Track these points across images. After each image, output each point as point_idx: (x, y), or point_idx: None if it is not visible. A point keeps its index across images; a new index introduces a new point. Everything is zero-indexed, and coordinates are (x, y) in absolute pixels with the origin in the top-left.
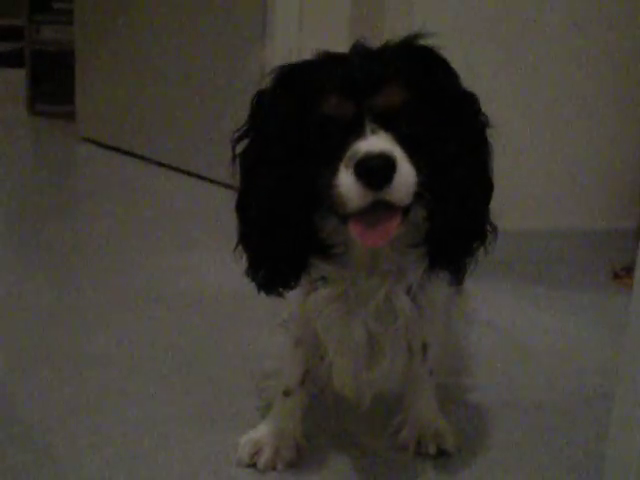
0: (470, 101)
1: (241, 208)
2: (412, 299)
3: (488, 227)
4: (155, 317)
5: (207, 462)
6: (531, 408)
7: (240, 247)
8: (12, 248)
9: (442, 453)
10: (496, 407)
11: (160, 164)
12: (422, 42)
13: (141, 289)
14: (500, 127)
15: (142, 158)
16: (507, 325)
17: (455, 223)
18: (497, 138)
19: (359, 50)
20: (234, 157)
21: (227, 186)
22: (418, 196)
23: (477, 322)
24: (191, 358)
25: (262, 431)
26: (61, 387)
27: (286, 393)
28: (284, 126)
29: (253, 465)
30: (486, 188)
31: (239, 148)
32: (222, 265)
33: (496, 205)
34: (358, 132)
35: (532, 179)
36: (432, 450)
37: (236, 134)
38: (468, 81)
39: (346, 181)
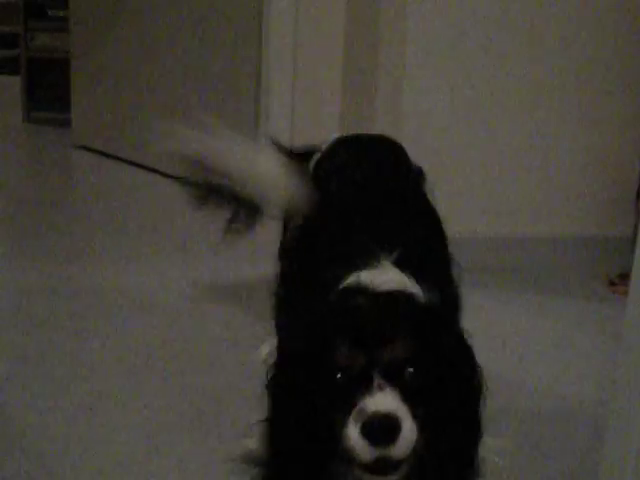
0: (471, 362)
1: (268, 436)
2: None
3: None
4: (151, 323)
5: (202, 471)
6: (527, 415)
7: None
8: (7, 256)
9: None
10: (492, 414)
11: (155, 171)
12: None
13: (136, 295)
14: (496, 134)
15: (137, 165)
16: (502, 333)
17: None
18: (494, 144)
19: (366, 295)
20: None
21: None
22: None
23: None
24: (187, 365)
25: None
26: (54, 394)
27: None
28: (302, 372)
29: None
30: (476, 436)
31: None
32: (217, 270)
33: (492, 210)
34: (367, 386)
35: (527, 185)
36: None
37: (270, 370)
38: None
39: (354, 436)
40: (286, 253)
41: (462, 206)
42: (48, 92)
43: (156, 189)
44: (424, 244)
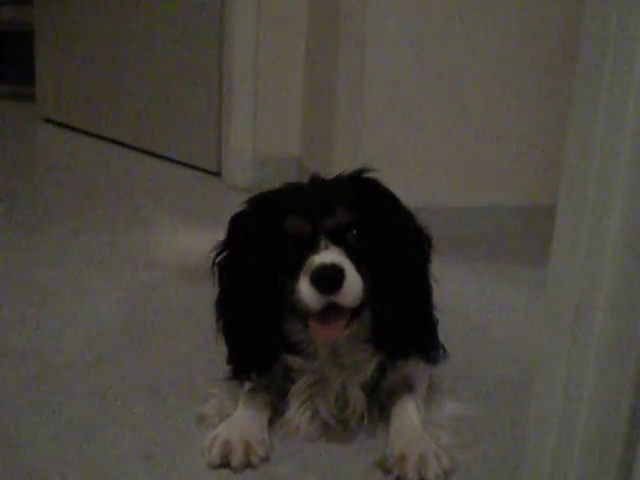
0: (409, 220)
1: (220, 308)
2: (368, 393)
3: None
4: (111, 292)
5: (159, 438)
6: (489, 381)
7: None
8: None
9: None
10: (455, 381)
11: (121, 144)
12: (368, 174)
13: (96, 262)
14: (460, 102)
15: (104, 139)
16: (463, 302)
17: (393, 324)
18: (458, 114)
19: (315, 181)
20: (213, 265)
21: (190, 167)
22: (367, 300)
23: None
24: (146, 333)
25: (229, 429)
26: (11, 359)
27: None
28: (254, 243)
29: (227, 465)
30: (423, 291)
31: (218, 259)
32: (179, 242)
33: (455, 180)
34: (314, 247)
35: (492, 154)
36: (414, 478)
37: (216, 248)
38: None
39: (304, 287)
40: None
41: (426, 176)
42: (13, 66)
43: (121, 161)
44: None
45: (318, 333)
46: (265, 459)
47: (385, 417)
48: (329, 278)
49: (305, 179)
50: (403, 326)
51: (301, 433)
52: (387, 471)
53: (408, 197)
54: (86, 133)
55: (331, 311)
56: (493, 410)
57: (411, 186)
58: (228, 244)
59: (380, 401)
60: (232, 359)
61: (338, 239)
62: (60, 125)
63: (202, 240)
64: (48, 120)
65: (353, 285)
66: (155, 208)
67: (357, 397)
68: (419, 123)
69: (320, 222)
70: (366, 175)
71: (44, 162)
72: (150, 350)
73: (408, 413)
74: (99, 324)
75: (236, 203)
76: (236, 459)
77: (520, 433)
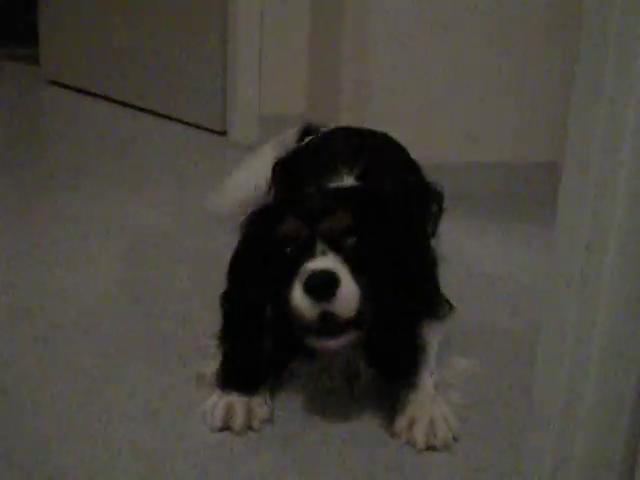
0: (412, 230)
1: (223, 307)
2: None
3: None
4: (115, 252)
5: (162, 397)
6: (497, 335)
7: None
8: None
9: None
10: (464, 338)
11: (127, 105)
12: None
13: (104, 223)
14: (462, 55)
15: (109, 100)
16: (471, 257)
17: (385, 342)
18: (460, 68)
19: (317, 188)
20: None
21: (195, 126)
22: (366, 309)
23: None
24: (150, 293)
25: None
26: (15, 319)
27: None
28: (255, 248)
29: (228, 428)
30: (418, 309)
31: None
32: (185, 202)
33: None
34: (310, 253)
35: (493, 110)
36: (421, 444)
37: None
38: None
39: (297, 295)
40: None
41: (433, 132)
42: (17, 28)
43: (127, 122)
44: (389, 168)
45: (317, 346)
46: (267, 420)
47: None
48: (322, 285)
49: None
50: (396, 349)
51: (305, 395)
52: (395, 434)
53: (415, 153)
54: (91, 94)
55: (326, 320)
56: (504, 367)
57: (418, 142)
58: (237, 247)
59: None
60: (222, 369)
61: (336, 245)
62: (64, 87)
63: (208, 197)
64: (52, 82)
65: (348, 293)
66: (161, 168)
67: (364, 367)
68: (425, 79)
69: (317, 225)
70: (370, 185)
71: (50, 124)
72: (152, 308)
73: (419, 375)
74: (102, 283)
75: (242, 161)
76: (238, 422)
77: (527, 389)
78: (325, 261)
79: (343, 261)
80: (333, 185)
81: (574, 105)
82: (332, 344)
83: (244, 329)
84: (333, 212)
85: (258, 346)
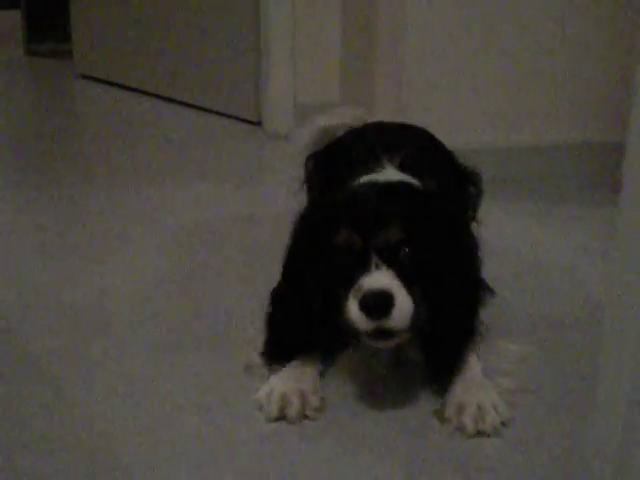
0: (462, 237)
1: (273, 300)
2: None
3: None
4: (160, 246)
5: (214, 389)
6: (538, 320)
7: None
8: (11, 188)
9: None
10: (507, 322)
11: (160, 97)
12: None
13: (147, 219)
14: (496, 40)
15: (142, 92)
16: (510, 242)
17: (441, 346)
18: (494, 52)
19: (366, 184)
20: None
21: (230, 117)
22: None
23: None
24: (197, 285)
25: (283, 380)
26: (67, 316)
27: None
28: (308, 252)
29: (283, 417)
30: (470, 316)
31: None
32: (225, 195)
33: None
34: (365, 265)
35: (529, 92)
36: (470, 429)
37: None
38: None
39: (353, 310)
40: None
41: (470, 117)
42: (49, 23)
43: (161, 114)
44: (427, 154)
45: (370, 345)
46: (319, 409)
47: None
48: (378, 305)
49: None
50: (450, 347)
51: (355, 382)
52: (445, 420)
53: (451, 139)
54: (124, 87)
55: (380, 332)
56: (553, 353)
57: (454, 128)
58: (290, 245)
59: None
60: (270, 347)
61: (390, 256)
62: (97, 80)
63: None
64: (85, 76)
65: (403, 309)
66: (197, 159)
67: (413, 354)
68: (462, 63)
69: (372, 238)
70: (422, 189)
71: (84, 118)
72: (199, 301)
73: (468, 361)
74: (149, 277)
75: (278, 151)
76: (293, 411)
77: (577, 374)
78: (381, 278)
79: (397, 274)
80: (381, 180)
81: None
82: (384, 345)
83: (293, 319)
84: (389, 223)
85: (306, 330)
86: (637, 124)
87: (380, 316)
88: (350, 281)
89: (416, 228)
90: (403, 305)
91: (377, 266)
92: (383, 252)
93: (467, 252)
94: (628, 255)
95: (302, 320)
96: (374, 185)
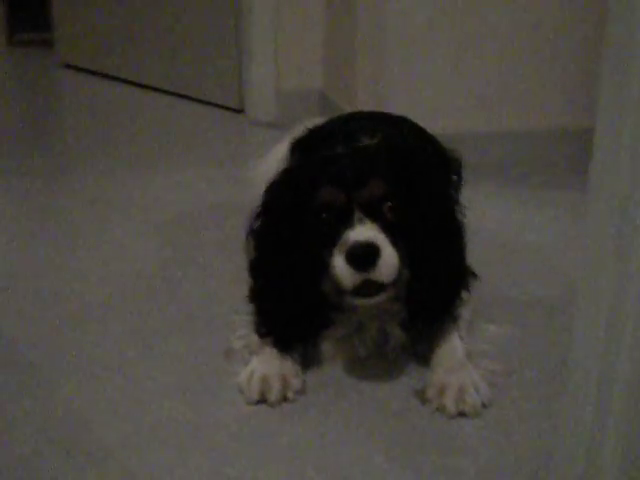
0: (443, 192)
1: (255, 275)
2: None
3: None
4: (141, 233)
5: (194, 373)
6: (520, 303)
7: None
8: None
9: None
10: (490, 305)
11: (143, 86)
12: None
13: (127, 207)
14: (482, 25)
15: (124, 81)
16: (495, 226)
17: (427, 296)
18: (480, 37)
19: (349, 149)
20: (250, 232)
21: (212, 105)
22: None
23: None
24: (178, 271)
25: (264, 364)
26: (43, 302)
27: None
28: (288, 213)
29: (264, 400)
30: (457, 264)
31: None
32: (208, 182)
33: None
34: (348, 220)
35: (514, 77)
36: (451, 410)
37: (252, 215)
38: None
39: (339, 264)
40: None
41: (450, 103)
42: (31, 13)
43: (144, 103)
44: (408, 137)
45: (355, 303)
46: (300, 391)
47: (426, 348)
48: (364, 256)
49: (328, 113)
50: (437, 298)
51: (337, 364)
52: (426, 401)
53: (432, 125)
54: (106, 76)
55: (367, 285)
56: (534, 335)
57: (435, 114)
58: (264, 212)
59: (420, 332)
60: (272, 329)
61: (373, 212)
62: (79, 70)
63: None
64: (67, 65)
65: (389, 262)
66: (180, 147)
67: (396, 334)
68: (442, 51)
69: (355, 193)
70: (401, 144)
71: (66, 107)
72: (181, 286)
73: (451, 342)
74: (131, 263)
75: (261, 138)
76: (273, 394)
77: (558, 356)
78: (365, 231)
79: (381, 228)
80: (360, 144)
81: (606, 67)
82: (370, 302)
83: (278, 289)
84: (370, 180)
85: (293, 303)
86: (603, 107)
87: (367, 267)
88: (334, 238)
89: (399, 182)
90: (388, 257)
91: (361, 221)
92: (367, 207)
93: (450, 206)
94: (598, 239)
95: (289, 288)
96: (352, 145)
